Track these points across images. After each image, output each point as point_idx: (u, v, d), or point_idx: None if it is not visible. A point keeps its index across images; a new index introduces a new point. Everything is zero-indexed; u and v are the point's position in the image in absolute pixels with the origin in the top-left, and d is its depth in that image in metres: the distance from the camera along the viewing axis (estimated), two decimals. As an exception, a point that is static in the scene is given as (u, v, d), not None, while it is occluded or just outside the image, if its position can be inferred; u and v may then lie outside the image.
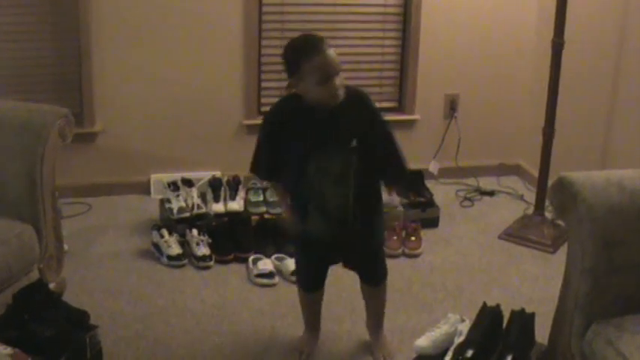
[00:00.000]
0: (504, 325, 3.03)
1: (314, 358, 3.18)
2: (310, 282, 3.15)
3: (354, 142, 2.79)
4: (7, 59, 4.44)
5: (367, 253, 3.07)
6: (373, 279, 3.12)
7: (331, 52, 2.71)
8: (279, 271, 3.79)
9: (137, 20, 4.51)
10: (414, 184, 4.53)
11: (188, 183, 4.34)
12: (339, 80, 2.72)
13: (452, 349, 3.02)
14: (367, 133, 2.83)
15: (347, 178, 2.83)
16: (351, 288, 3.68)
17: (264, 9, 4.64)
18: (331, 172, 2.83)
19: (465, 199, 4.85)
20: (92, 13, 4.42)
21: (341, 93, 2.73)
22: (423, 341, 3.12)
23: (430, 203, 4.45)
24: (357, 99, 2.83)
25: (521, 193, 4.93)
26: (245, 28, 4.61)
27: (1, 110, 3.23)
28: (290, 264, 3.73)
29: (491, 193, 4.94)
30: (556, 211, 2.71)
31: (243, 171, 4.46)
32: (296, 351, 3.19)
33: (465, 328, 3.10)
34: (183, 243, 4.00)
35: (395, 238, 4.08)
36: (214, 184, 4.33)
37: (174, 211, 4.15)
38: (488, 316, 3.04)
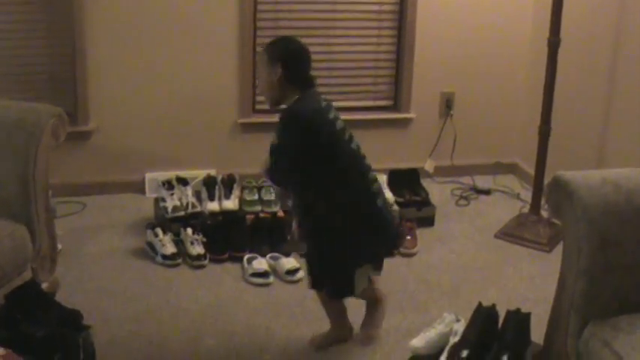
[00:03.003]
0: (500, 324, 3.02)
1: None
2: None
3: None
4: (0, 57, 4.42)
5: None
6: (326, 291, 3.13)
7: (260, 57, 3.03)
8: (273, 271, 3.78)
9: (131, 19, 4.49)
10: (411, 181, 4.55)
11: (183, 182, 4.33)
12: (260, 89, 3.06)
13: (447, 348, 3.00)
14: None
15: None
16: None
17: (259, 7, 4.63)
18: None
19: (461, 197, 4.84)
20: (86, 12, 4.40)
21: (266, 100, 3.05)
22: (418, 341, 3.10)
23: (426, 202, 4.44)
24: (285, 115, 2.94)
25: (517, 191, 4.93)
26: (240, 26, 4.60)
27: (-7, 109, 3.22)
28: (285, 263, 3.72)
29: (487, 192, 4.93)
30: (552, 210, 2.70)
31: (238, 169, 4.47)
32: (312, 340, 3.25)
33: (460, 327, 3.08)
34: (178, 242, 3.98)
35: (390, 237, 4.06)
36: (209, 183, 4.32)
37: (169, 209, 4.14)
38: (483, 316, 3.02)
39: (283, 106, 2.95)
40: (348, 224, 2.97)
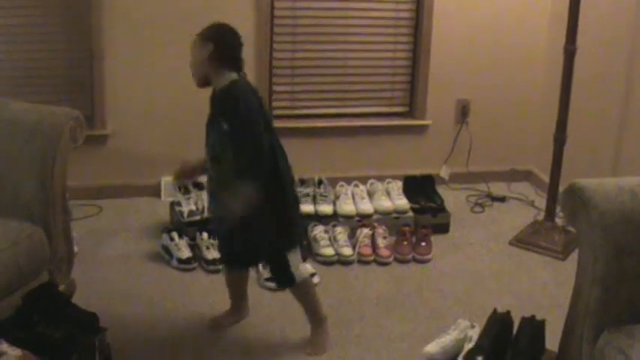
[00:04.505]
0: (514, 331, 3.02)
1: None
2: (222, 255, 3.50)
3: (225, 127, 2.89)
4: (19, 61, 4.46)
5: (255, 253, 3.19)
6: (275, 279, 3.37)
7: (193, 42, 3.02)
8: (288, 276, 3.78)
9: (149, 23, 4.51)
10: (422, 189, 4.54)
11: (199, 186, 4.34)
12: (192, 69, 3.04)
13: (461, 355, 3.01)
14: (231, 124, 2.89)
15: (220, 161, 2.95)
16: (360, 293, 3.67)
17: (276, 13, 4.65)
18: (211, 151, 3.00)
19: (476, 204, 4.84)
20: (104, 16, 4.43)
21: (195, 79, 3.05)
22: (433, 347, 3.11)
23: (441, 209, 4.44)
24: (228, 94, 2.94)
25: (532, 199, 4.92)
26: (257, 31, 4.61)
27: (12, 112, 3.24)
28: (301, 268, 3.73)
29: (502, 199, 4.92)
30: (567, 217, 2.69)
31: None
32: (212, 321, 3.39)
33: (474, 334, 3.09)
34: (194, 246, 3.99)
35: (405, 243, 4.07)
36: (225, 188, 4.32)
37: (185, 214, 4.15)
38: (498, 323, 3.03)
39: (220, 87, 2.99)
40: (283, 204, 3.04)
